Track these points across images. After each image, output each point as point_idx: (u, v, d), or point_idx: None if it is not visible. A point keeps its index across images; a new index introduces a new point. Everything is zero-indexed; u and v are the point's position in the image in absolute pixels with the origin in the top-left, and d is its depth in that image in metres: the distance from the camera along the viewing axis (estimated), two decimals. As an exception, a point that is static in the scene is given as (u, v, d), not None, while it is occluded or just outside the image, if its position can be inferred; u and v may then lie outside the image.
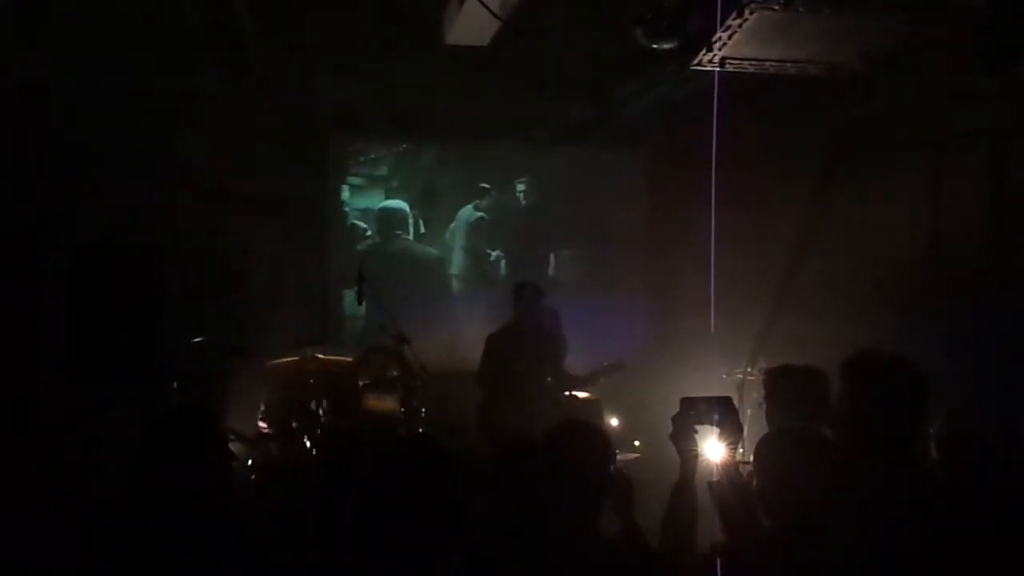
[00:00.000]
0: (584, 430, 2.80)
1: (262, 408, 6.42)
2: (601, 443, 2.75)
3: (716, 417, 2.70)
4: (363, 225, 8.54)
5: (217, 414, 5.85)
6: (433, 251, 8.63)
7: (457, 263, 8.67)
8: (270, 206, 7.52)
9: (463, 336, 6.29)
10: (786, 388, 3.57)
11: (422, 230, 8.62)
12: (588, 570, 2.60)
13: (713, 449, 2.74)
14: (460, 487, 2.36)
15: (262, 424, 6.38)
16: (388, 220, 8.53)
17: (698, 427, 2.70)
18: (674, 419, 2.72)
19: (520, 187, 8.71)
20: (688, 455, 2.68)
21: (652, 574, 2.69)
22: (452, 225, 8.64)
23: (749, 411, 5.41)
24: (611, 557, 2.65)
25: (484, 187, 8.61)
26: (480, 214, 8.63)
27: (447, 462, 2.39)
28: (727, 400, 2.76)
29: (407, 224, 8.56)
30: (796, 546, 2.57)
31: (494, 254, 8.65)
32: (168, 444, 2.94)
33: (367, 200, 8.60)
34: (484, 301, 7.72)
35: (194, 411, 3.22)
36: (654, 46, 5.76)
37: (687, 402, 2.74)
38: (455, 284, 8.68)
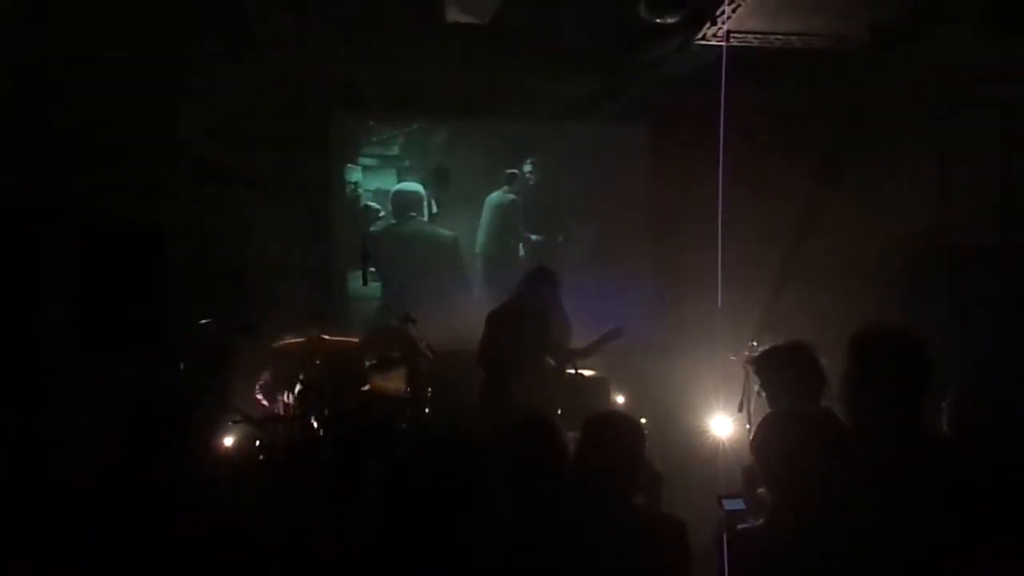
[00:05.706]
0: (620, 420, 2.98)
1: (260, 383, 6.43)
2: (635, 433, 2.90)
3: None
4: (376, 206, 8.50)
5: (224, 393, 5.90)
6: (447, 232, 8.56)
7: (482, 244, 8.63)
8: (275, 185, 7.48)
9: (477, 317, 6.22)
10: (776, 371, 3.54)
11: (435, 210, 8.57)
12: (610, 545, 2.69)
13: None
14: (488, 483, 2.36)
15: (259, 397, 6.39)
16: (403, 202, 8.48)
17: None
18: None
19: (527, 167, 8.65)
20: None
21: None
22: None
23: (757, 388, 5.35)
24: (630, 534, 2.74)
25: (512, 172, 8.54)
26: (512, 196, 8.56)
27: (475, 457, 2.39)
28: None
29: (422, 206, 8.51)
30: (802, 521, 2.55)
31: (535, 238, 8.63)
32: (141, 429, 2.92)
33: (380, 181, 8.54)
34: (506, 282, 7.64)
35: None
36: (658, 20, 5.70)
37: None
38: (479, 264, 8.63)
